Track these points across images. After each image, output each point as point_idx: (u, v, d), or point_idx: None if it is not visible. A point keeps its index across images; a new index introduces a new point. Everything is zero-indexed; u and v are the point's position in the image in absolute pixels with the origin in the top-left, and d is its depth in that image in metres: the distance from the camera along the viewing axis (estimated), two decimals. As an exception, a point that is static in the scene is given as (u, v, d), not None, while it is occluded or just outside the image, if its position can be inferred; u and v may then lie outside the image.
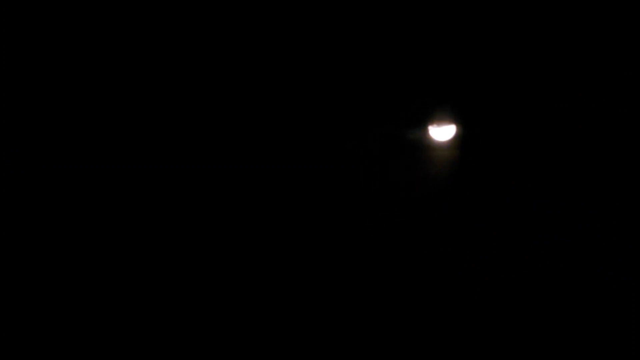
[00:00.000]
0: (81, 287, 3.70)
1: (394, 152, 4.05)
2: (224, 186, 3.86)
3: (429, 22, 4.08)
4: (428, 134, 4.13)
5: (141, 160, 3.84)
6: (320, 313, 3.74)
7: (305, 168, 3.84)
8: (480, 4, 3.93)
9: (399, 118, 4.11)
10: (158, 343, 3.66)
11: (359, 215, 3.86)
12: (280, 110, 3.88)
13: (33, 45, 3.77)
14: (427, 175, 4.05)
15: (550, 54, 3.83)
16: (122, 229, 3.81)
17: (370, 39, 4.05)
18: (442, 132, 4.14)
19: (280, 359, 3.66)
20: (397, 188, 3.97)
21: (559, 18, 3.77)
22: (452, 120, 4.13)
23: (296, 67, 3.88)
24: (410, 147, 4.09)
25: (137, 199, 3.84)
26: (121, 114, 3.85)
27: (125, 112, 3.86)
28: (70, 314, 3.64)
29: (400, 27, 4.09)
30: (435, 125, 4.12)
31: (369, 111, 4.00)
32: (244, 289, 3.78)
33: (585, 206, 3.57)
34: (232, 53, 3.84)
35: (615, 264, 3.49)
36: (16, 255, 3.68)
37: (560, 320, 3.53)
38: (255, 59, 3.85)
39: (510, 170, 3.76)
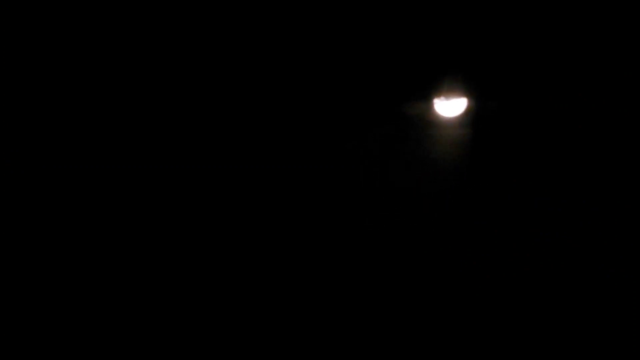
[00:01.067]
0: (81, 287, 3.79)
1: (393, 133, 3.76)
2: (224, 186, 3.84)
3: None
4: (433, 109, 3.68)
5: (141, 160, 3.83)
6: (321, 312, 3.75)
7: (305, 168, 3.78)
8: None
9: (399, 90, 3.67)
10: (158, 343, 3.74)
11: (359, 215, 3.77)
12: (280, 111, 3.78)
13: (33, 45, 3.72)
14: (430, 160, 3.74)
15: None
16: (122, 229, 3.84)
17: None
18: (451, 107, 3.66)
19: (280, 359, 3.71)
20: (398, 184, 3.82)
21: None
22: (463, 92, 3.65)
23: (296, 66, 3.73)
24: (411, 124, 3.70)
25: (137, 199, 3.85)
26: (121, 114, 3.82)
27: (125, 112, 3.82)
28: (71, 314, 3.75)
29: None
30: (442, 98, 3.65)
31: (370, 100, 3.72)
32: (245, 288, 3.80)
33: (587, 204, 3.52)
34: (232, 53, 3.72)
35: (617, 261, 3.46)
36: (16, 255, 3.78)
37: (562, 318, 3.52)
38: (255, 59, 3.73)
39: (517, 162, 3.63)
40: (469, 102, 3.66)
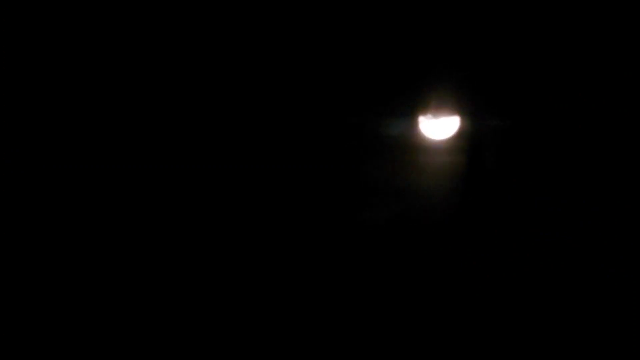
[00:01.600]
0: (81, 288, 3.79)
1: (373, 155, 3.47)
2: (224, 186, 3.77)
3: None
4: (418, 129, 3.30)
5: (141, 160, 3.83)
6: (321, 313, 3.64)
7: (305, 168, 3.67)
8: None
9: (378, 106, 3.32)
10: (158, 343, 3.71)
11: (359, 216, 3.65)
12: (280, 110, 3.68)
13: (33, 45, 3.78)
14: (418, 186, 3.43)
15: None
16: (122, 229, 3.85)
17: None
18: (440, 127, 3.27)
19: (280, 359, 3.68)
20: (397, 190, 3.61)
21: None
22: (454, 110, 3.28)
23: (293, 66, 3.62)
24: (393, 147, 3.36)
25: (137, 199, 3.85)
26: (121, 114, 3.83)
27: (125, 112, 3.82)
28: (71, 314, 3.74)
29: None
30: (429, 117, 3.30)
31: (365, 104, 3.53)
32: (244, 289, 3.71)
33: (587, 204, 3.54)
34: (231, 53, 3.65)
35: (617, 261, 3.51)
36: (16, 256, 3.80)
37: (562, 318, 3.53)
38: (254, 59, 3.64)
39: (516, 167, 3.59)
40: (462, 121, 3.26)
